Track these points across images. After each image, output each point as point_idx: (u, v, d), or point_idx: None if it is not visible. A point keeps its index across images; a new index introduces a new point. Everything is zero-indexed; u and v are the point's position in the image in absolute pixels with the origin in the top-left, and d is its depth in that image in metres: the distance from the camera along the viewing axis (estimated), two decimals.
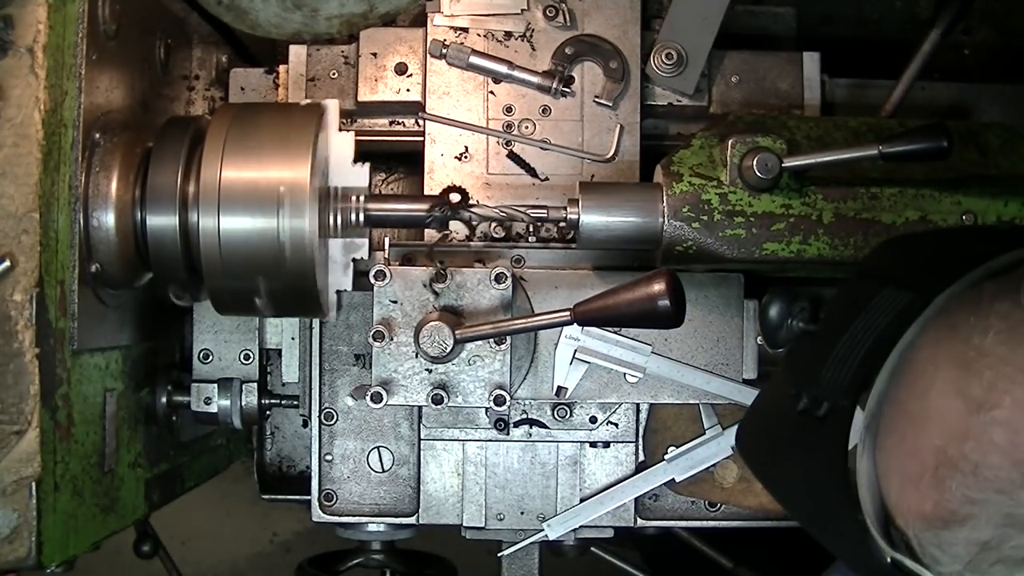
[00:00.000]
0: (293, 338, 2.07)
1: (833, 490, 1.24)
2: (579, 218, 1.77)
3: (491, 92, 2.02)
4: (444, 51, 2.00)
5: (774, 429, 1.40)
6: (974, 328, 1.14)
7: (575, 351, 1.93)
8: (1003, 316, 1.12)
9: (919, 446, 1.16)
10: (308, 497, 2.03)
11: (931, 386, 1.17)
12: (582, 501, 2.01)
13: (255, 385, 2.06)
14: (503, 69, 2.00)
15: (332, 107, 1.76)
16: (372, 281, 1.82)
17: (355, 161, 1.81)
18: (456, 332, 1.75)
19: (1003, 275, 1.19)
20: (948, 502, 1.12)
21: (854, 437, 1.25)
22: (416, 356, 1.81)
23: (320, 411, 2.01)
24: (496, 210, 1.85)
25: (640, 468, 2.03)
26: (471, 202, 1.83)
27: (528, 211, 1.83)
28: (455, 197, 1.78)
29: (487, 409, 1.99)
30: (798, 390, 1.28)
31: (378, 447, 2.02)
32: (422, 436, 2.02)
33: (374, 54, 2.06)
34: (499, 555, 2.07)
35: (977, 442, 1.10)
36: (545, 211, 1.82)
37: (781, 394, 1.34)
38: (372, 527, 2.09)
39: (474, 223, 1.89)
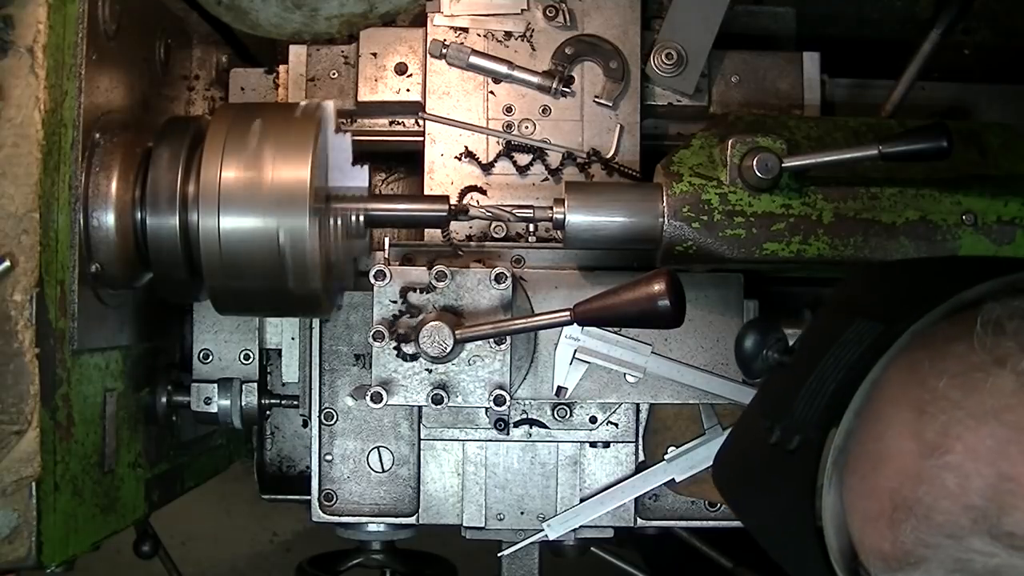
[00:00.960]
0: (293, 338, 2.07)
1: (801, 524, 1.23)
2: (564, 218, 1.77)
3: (491, 92, 2.02)
4: (444, 51, 2.00)
5: (747, 460, 1.40)
6: (930, 370, 1.13)
7: (575, 351, 1.93)
8: (958, 359, 1.11)
9: (878, 486, 1.16)
10: (308, 497, 2.03)
11: (889, 427, 1.16)
12: (582, 501, 2.01)
13: (255, 385, 2.06)
14: (503, 69, 2.00)
15: (328, 108, 1.76)
16: (372, 281, 1.82)
17: (355, 162, 1.81)
18: (456, 332, 1.75)
19: (964, 312, 1.17)
20: (903, 544, 1.11)
21: (824, 472, 1.24)
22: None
23: (320, 411, 2.01)
24: (483, 210, 1.85)
25: (640, 468, 2.02)
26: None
27: (514, 211, 1.83)
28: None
29: (487, 409, 1.99)
30: (771, 422, 1.28)
31: (378, 447, 2.02)
32: (422, 436, 2.02)
33: (374, 54, 2.06)
34: (499, 555, 2.07)
35: (930, 486, 1.09)
36: (531, 211, 1.82)
37: (755, 426, 1.34)
38: (372, 527, 2.09)
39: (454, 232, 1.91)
